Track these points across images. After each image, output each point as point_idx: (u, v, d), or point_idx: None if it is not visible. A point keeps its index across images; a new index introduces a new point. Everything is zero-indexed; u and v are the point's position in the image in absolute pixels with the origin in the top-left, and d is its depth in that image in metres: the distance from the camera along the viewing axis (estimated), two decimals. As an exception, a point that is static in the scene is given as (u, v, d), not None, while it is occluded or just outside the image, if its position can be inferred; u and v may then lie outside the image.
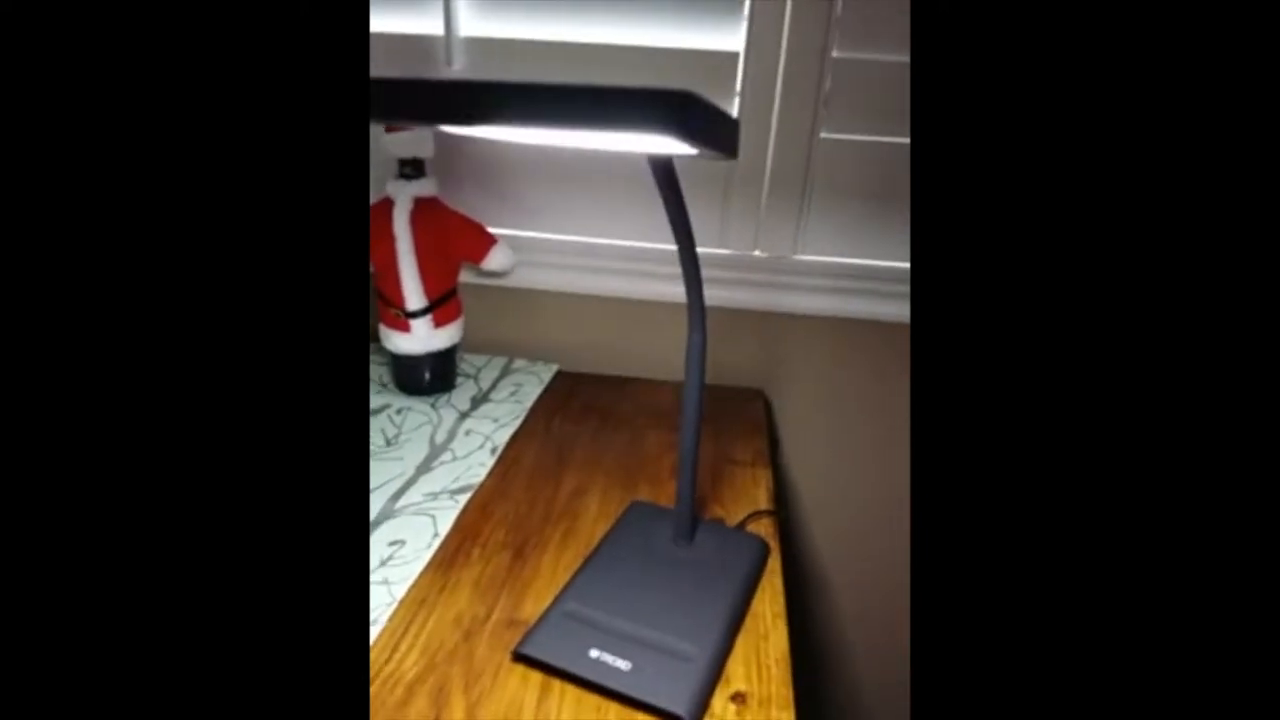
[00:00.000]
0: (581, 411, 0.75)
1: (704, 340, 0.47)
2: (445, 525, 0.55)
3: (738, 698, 0.42)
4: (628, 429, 0.72)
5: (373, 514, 0.56)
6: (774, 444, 0.86)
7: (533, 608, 0.48)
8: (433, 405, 0.73)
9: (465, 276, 0.81)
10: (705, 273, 0.78)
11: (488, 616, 0.47)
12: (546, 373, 0.83)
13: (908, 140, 0.73)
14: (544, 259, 0.82)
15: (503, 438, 0.68)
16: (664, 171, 0.39)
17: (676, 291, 0.82)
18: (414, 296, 0.70)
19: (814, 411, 0.85)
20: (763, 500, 0.62)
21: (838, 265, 0.78)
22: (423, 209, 0.69)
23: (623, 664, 0.42)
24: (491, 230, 0.78)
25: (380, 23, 0.75)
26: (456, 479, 0.61)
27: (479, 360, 0.85)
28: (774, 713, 0.41)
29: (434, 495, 0.59)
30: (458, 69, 0.76)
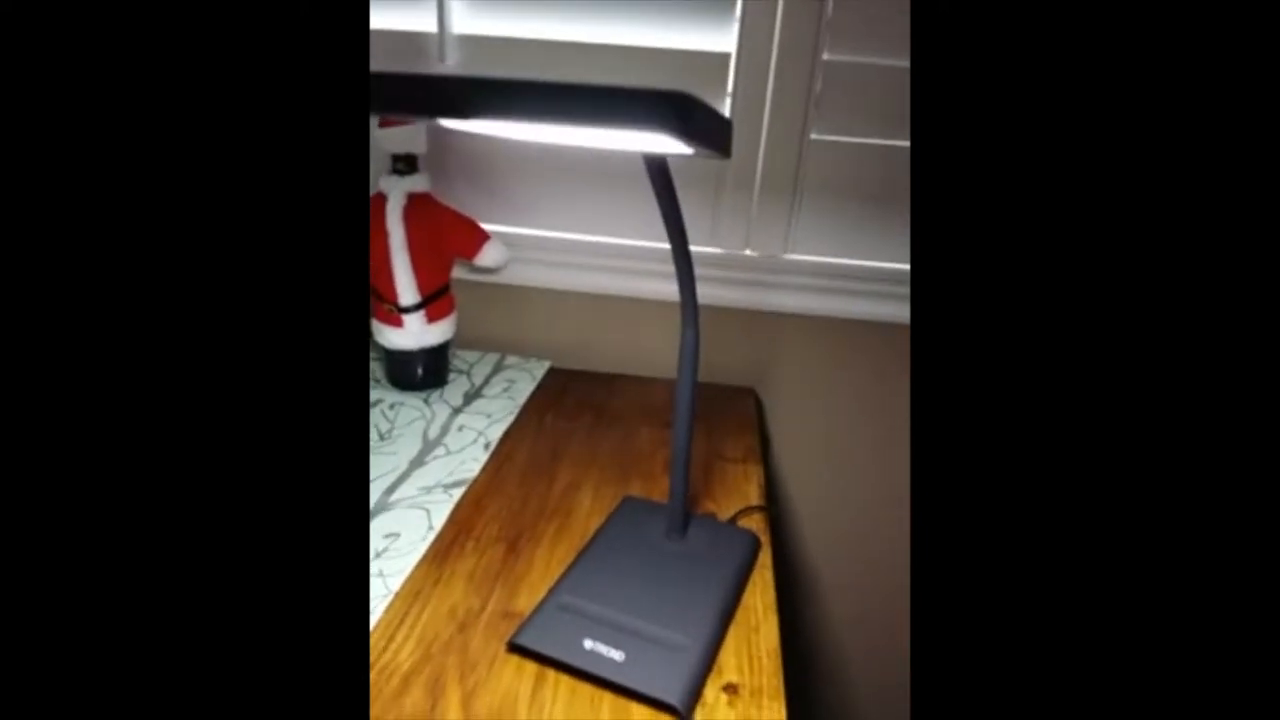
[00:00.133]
0: (574, 408, 0.76)
1: (697, 337, 0.48)
2: (440, 519, 0.56)
3: (729, 688, 0.42)
4: (620, 425, 0.73)
5: (367, 508, 0.56)
6: (764, 441, 0.87)
7: (527, 600, 0.48)
8: (426, 401, 0.74)
9: (458, 273, 0.82)
10: (696, 271, 0.79)
11: (482, 609, 0.47)
12: (539, 369, 0.83)
13: (898, 142, 0.74)
14: (537, 256, 0.83)
15: (496, 433, 0.68)
16: (659, 170, 0.40)
17: (668, 289, 0.82)
18: (407, 292, 0.70)
19: (804, 409, 0.86)
20: (754, 496, 0.63)
21: (827, 265, 0.79)
22: (416, 205, 0.70)
23: (617, 654, 0.42)
24: (484, 227, 0.78)
25: (373, 18, 0.75)
26: (450, 473, 0.62)
27: (472, 356, 0.85)
28: (765, 703, 0.42)
29: (428, 489, 0.59)
30: (451, 65, 0.76)
